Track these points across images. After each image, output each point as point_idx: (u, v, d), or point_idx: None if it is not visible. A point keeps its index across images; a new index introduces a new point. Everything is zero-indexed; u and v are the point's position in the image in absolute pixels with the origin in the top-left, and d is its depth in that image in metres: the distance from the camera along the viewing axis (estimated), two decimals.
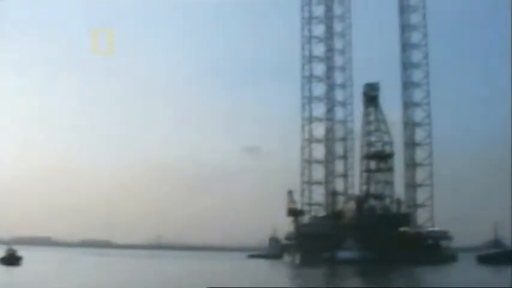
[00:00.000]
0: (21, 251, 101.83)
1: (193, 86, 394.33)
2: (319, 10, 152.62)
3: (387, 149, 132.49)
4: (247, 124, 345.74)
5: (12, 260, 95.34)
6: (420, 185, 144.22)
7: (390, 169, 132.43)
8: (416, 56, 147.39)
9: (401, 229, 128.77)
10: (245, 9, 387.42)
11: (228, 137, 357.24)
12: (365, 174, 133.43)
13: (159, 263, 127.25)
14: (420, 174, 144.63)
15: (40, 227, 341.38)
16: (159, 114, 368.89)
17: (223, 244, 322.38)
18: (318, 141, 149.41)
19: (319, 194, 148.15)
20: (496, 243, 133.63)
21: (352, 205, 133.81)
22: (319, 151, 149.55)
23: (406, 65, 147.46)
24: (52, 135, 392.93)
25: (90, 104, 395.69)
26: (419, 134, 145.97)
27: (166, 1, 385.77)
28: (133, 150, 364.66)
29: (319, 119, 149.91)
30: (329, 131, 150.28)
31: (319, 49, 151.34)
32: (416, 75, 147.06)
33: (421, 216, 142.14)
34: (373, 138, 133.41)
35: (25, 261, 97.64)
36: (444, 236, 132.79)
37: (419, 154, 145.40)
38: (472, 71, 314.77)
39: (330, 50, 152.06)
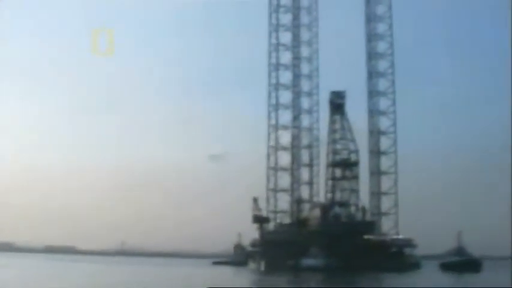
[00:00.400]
0: None
1: (160, 92, 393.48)
2: (286, 18, 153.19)
3: (353, 157, 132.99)
4: (213, 131, 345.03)
5: None
6: (385, 193, 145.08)
7: (355, 177, 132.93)
8: (382, 65, 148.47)
9: (366, 237, 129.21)
10: (213, 16, 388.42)
11: (193, 143, 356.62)
12: (330, 182, 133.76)
13: (122, 269, 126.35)
14: (385, 183, 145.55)
15: (2, 233, 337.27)
16: (124, 120, 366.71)
17: (188, 251, 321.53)
18: (284, 148, 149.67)
19: (284, 201, 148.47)
20: (459, 251, 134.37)
21: (317, 213, 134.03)
22: (285, 158, 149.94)
23: (372, 74, 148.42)
24: (17, 137, 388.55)
25: (52, 106, 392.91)
26: (385, 143, 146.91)
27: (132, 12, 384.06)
28: (97, 156, 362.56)
29: (285, 127, 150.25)
30: (295, 138, 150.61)
31: (286, 57, 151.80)
32: (382, 84, 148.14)
33: (386, 224, 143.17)
34: (338, 146, 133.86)
35: None
36: (408, 243, 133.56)
37: (385, 162, 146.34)
38: (437, 80, 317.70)
39: (296, 58, 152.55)
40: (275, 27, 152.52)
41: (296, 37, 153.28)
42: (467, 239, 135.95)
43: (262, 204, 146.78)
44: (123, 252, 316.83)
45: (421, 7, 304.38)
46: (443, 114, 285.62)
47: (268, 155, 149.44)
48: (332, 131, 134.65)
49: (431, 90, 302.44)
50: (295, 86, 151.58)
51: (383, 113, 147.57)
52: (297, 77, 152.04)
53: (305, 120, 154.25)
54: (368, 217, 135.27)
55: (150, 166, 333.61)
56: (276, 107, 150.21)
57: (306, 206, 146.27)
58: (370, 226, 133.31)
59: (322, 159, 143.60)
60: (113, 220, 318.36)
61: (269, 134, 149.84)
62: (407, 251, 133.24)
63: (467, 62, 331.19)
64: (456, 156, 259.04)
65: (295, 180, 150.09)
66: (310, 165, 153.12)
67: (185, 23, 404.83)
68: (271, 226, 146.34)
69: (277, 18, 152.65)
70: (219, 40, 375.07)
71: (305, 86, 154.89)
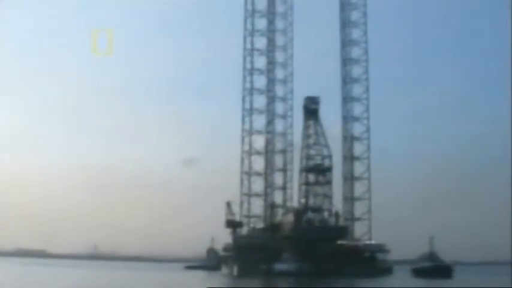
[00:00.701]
0: None
1: (134, 95, 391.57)
2: (261, 23, 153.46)
3: (326, 162, 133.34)
4: (187, 134, 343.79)
5: None
6: (358, 199, 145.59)
7: (329, 182, 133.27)
8: (356, 70, 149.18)
9: (339, 242, 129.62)
10: (188, 20, 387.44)
11: (167, 147, 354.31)
12: (304, 187, 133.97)
13: (94, 273, 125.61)
14: (358, 188, 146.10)
15: None
16: (98, 122, 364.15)
17: (161, 255, 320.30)
18: (258, 153, 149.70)
19: (258, 206, 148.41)
20: (431, 256, 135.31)
21: (290, 218, 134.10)
22: (258, 163, 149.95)
23: (346, 80, 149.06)
24: None
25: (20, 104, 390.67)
26: (358, 148, 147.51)
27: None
28: (70, 157, 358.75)
29: (260, 131, 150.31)
30: (269, 143, 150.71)
31: (260, 62, 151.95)
32: (357, 90, 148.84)
33: (359, 230, 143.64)
34: (312, 152, 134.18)
35: None
36: (381, 249, 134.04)
37: (358, 168, 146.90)
38: (411, 86, 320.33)
39: (271, 63, 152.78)
40: (250, 32, 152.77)
41: (271, 42, 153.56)
42: (439, 245, 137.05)
43: (235, 208, 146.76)
44: (95, 256, 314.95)
45: (396, 13, 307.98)
46: (417, 120, 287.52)
47: (242, 160, 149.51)
48: (306, 136, 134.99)
49: (405, 96, 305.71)
50: (269, 91, 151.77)
51: (357, 119, 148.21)
52: (271, 82, 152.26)
53: (279, 125, 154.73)
54: (341, 222, 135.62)
55: (122, 170, 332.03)
56: (250, 111, 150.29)
57: (280, 211, 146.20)
58: (343, 231, 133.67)
59: (296, 165, 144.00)
60: (86, 223, 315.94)
61: (243, 139, 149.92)
62: (379, 256, 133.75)
63: (443, 68, 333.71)
64: (429, 162, 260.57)
65: (269, 185, 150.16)
66: (284, 170, 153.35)
67: (162, 27, 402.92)
68: (244, 231, 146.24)
69: (253, 23, 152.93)
70: (193, 43, 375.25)
71: (279, 91, 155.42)
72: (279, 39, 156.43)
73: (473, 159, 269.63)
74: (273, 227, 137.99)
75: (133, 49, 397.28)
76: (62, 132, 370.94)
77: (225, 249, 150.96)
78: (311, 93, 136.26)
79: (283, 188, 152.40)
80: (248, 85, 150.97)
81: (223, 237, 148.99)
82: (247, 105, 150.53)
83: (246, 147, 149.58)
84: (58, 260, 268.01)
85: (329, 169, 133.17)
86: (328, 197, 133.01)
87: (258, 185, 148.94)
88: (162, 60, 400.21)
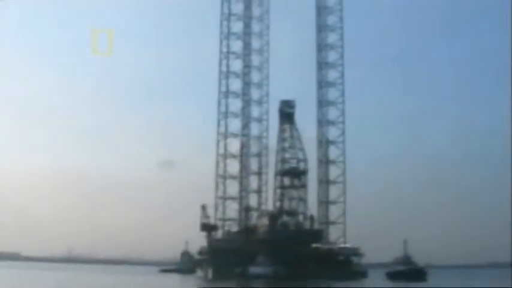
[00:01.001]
0: None
1: (109, 98, 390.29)
2: (237, 26, 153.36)
3: (301, 165, 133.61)
4: (162, 137, 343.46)
5: None
6: (333, 202, 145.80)
7: (304, 186, 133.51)
8: (332, 74, 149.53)
9: (314, 245, 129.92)
10: (161, 23, 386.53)
11: (141, 150, 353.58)
12: (279, 191, 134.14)
13: (68, 276, 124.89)
14: (333, 192, 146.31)
15: None
16: (72, 125, 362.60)
17: (136, 258, 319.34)
18: (233, 156, 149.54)
19: (232, 209, 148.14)
20: (405, 260, 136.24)
21: (265, 221, 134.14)
22: (233, 166, 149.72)
23: (322, 84, 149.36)
24: None
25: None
26: (334, 152, 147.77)
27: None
28: (44, 160, 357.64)
29: (235, 135, 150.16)
30: (244, 146, 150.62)
31: (236, 65, 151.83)
32: (332, 94, 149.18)
33: (334, 233, 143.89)
34: (287, 155, 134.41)
35: None
36: (355, 252, 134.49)
37: (333, 172, 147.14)
38: (386, 90, 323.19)
39: (247, 66, 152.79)
40: (226, 35, 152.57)
41: (247, 45, 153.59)
42: (412, 248, 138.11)
43: (210, 212, 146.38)
44: (70, 259, 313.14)
45: (373, 18, 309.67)
46: (391, 124, 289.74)
47: (217, 163, 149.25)
48: (281, 139, 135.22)
49: (380, 100, 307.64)
50: (245, 94, 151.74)
51: (332, 123, 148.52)
52: (247, 85, 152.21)
53: (254, 129, 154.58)
54: (316, 226, 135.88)
55: (98, 173, 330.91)
56: (225, 114, 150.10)
57: (254, 214, 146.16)
58: (318, 235, 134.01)
59: (271, 168, 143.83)
60: (61, 226, 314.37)
61: (218, 142, 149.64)
62: (354, 259, 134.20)
63: (417, 72, 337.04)
64: (403, 166, 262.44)
65: (244, 189, 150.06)
66: (259, 174, 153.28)
67: (139, 29, 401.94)
68: (219, 234, 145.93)
69: (229, 26, 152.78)
70: (169, 46, 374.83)
71: (255, 94, 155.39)
72: (255, 43, 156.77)
73: (448, 163, 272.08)
74: (247, 231, 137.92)
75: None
76: (36, 135, 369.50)
77: (200, 252, 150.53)
78: (287, 97, 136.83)
79: (258, 191, 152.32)
80: (224, 88, 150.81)
81: (198, 241, 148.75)
82: (223, 109, 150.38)
83: (221, 151, 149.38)
84: (32, 263, 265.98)
85: (304, 173, 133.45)
86: (303, 200, 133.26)
87: (233, 188, 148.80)
88: (139, 62, 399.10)
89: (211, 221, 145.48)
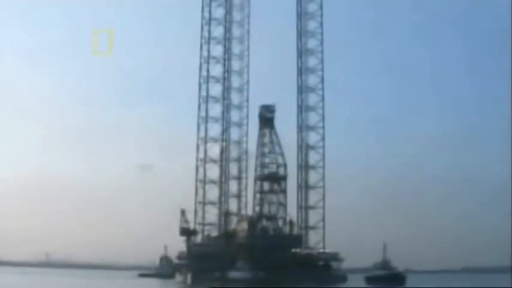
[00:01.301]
0: None
1: (88, 102, 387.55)
2: (218, 31, 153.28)
3: (281, 170, 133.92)
4: (141, 141, 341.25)
5: None
6: (312, 207, 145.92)
7: (283, 191, 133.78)
8: (312, 80, 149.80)
9: (293, 250, 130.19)
10: (142, 26, 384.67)
11: (120, 154, 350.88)
12: (258, 195, 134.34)
13: (45, 281, 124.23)
14: (313, 197, 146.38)
15: None
16: (49, 129, 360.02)
17: (115, 262, 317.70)
18: (213, 161, 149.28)
19: (212, 214, 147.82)
20: (384, 264, 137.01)
21: (244, 226, 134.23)
22: (213, 171, 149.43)
23: (302, 89, 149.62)
24: None
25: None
26: (313, 157, 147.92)
27: None
28: (21, 164, 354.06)
29: (215, 139, 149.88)
30: (224, 151, 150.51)
31: (217, 70, 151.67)
32: (312, 99, 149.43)
33: (313, 238, 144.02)
34: (267, 160, 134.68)
35: None
36: (335, 257, 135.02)
37: (313, 177, 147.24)
38: (366, 96, 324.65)
39: (227, 71, 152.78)
40: (207, 40, 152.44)
41: (227, 50, 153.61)
42: (391, 253, 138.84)
43: (190, 216, 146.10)
44: (48, 264, 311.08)
45: (353, 23, 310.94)
46: (370, 129, 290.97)
47: (197, 167, 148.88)
48: (261, 144, 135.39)
49: (360, 105, 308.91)
50: (225, 99, 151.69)
51: (312, 128, 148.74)
52: (227, 90, 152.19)
53: (234, 134, 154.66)
54: (295, 231, 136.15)
55: (76, 176, 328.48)
56: (205, 119, 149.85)
57: (234, 219, 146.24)
58: (297, 240, 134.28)
59: (251, 173, 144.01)
60: (38, 230, 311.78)
61: (198, 146, 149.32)
62: (333, 264, 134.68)
63: (398, 77, 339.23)
64: (382, 171, 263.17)
65: (224, 193, 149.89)
66: (239, 178, 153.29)
67: (119, 32, 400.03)
68: (198, 238, 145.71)
69: (209, 31, 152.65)
70: (150, 50, 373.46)
71: (235, 99, 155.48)
72: (236, 48, 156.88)
73: (426, 168, 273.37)
74: (227, 235, 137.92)
75: (89, 55, 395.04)
76: (9, 138, 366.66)
77: (179, 257, 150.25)
78: (267, 102, 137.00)
79: (238, 196, 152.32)
80: (204, 93, 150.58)
81: (178, 245, 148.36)
82: (203, 113, 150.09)
83: (201, 155, 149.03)
84: (8, 267, 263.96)
85: (284, 177, 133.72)
86: (283, 205, 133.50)
87: (212, 193, 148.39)
88: (119, 65, 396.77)
89: (191, 225, 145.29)
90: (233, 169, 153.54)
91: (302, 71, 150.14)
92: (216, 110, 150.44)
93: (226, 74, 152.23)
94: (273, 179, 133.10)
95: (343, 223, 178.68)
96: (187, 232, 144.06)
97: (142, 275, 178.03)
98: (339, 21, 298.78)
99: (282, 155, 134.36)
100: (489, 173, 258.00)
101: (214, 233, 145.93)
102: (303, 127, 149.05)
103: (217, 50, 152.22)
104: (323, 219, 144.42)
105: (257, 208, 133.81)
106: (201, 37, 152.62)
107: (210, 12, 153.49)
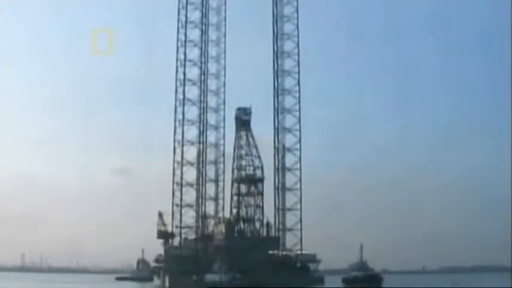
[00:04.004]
0: None
1: (66, 104, 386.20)
2: (194, 34, 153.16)
3: (258, 173, 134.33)
4: (117, 144, 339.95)
5: None
6: (289, 209, 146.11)
7: (260, 193, 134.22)
8: (289, 82, 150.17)
9: (270, 252, 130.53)
10: (119, 29, 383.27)
11: (96, 156, 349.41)
12: (236, 198, 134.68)
13: (21, 285, 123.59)
14: (290, 199, 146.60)
15: None
16: (25, 131, 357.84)
17: (92, 266, 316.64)
18: (190, 163, 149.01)
19: (189, 217, 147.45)
20: (361, 265, 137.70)
21: (222, 228, 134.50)
22: (190, 174, 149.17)
23: (279, 91, 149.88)
24: None
25: None
26: (290, 159, 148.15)
27: None
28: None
29: (191, 142, 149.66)
30: (201, 154, 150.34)
31: (193, 72, 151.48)
32: (289, 102, 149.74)
33: (290, 240, 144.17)
34: (244, 162, 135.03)
35: None
36: (312, 259, 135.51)
37: (290, 179, 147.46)
38: (342, 98, 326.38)
39: (204, 73, 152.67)
40: (183, 43, 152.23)
41: (204, 53, 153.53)
42: (368, 254, 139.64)
43: (167, 219, 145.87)
44: (23, 268, 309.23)
45: (330, 26, 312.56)
46: (347, 131, 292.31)
47: (174, 170, 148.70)
48: (238, 147, 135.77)
49: (335, 106, 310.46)
50: (202, 102, 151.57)
51: (289, 130, 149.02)
52: (204, 92, 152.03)
53: (211, 136, 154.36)
54: (272, 233, 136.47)
55: (52, 179, 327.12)
56: (182, 122, 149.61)
57: (212, 222, 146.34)
58: (275, 242, 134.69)
59: (228, 175, 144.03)
60: (13, 234, 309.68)
61: (175, 149, 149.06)
62: (311, 266, 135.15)
63: (372, 80, 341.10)
64: (358, 173, 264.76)
65: (201, 196, 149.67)
66: (216, 181, 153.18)
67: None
68: (176, 241, 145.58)
69: (185, 34, 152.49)
70: (126, 52, 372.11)
71: (212, 101, 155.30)
72: (212, 50, 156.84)
73: (403, 168, 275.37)
74: (204, 238, 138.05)
75: (62, 56, 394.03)
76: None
77: (157, 260, 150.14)
78: (244, 104, 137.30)
79: (215, 198, 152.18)
80: (180, 95, 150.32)
81: (155, 248, 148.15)
82: (179, 116, 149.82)
83: (178, 158, 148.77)
84: None
85: (261, 180, 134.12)
86: (260, 207, 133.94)
87: (190, 195, 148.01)
88: (96, 67, 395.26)
89: (168, 228, 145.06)
90: (210, 172, 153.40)
91: (278, 73, 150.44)
92: (192, 112, 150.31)
93: (202, 77, 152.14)
94: (250, 181, 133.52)
95: (320, 225, 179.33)
96: (164, 235, 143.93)
97: (119, 279, 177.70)
98: (316, 24, 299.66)
99: (259, 157, 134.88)
100: (472, 168, 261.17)
101: (192, 235, 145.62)
102: (279, 129, 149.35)
103: (194, 53, 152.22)
104: (300, 221, 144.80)
105: (234, 210, 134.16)
106: (177, 40, 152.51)
107: (186, 15, 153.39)
